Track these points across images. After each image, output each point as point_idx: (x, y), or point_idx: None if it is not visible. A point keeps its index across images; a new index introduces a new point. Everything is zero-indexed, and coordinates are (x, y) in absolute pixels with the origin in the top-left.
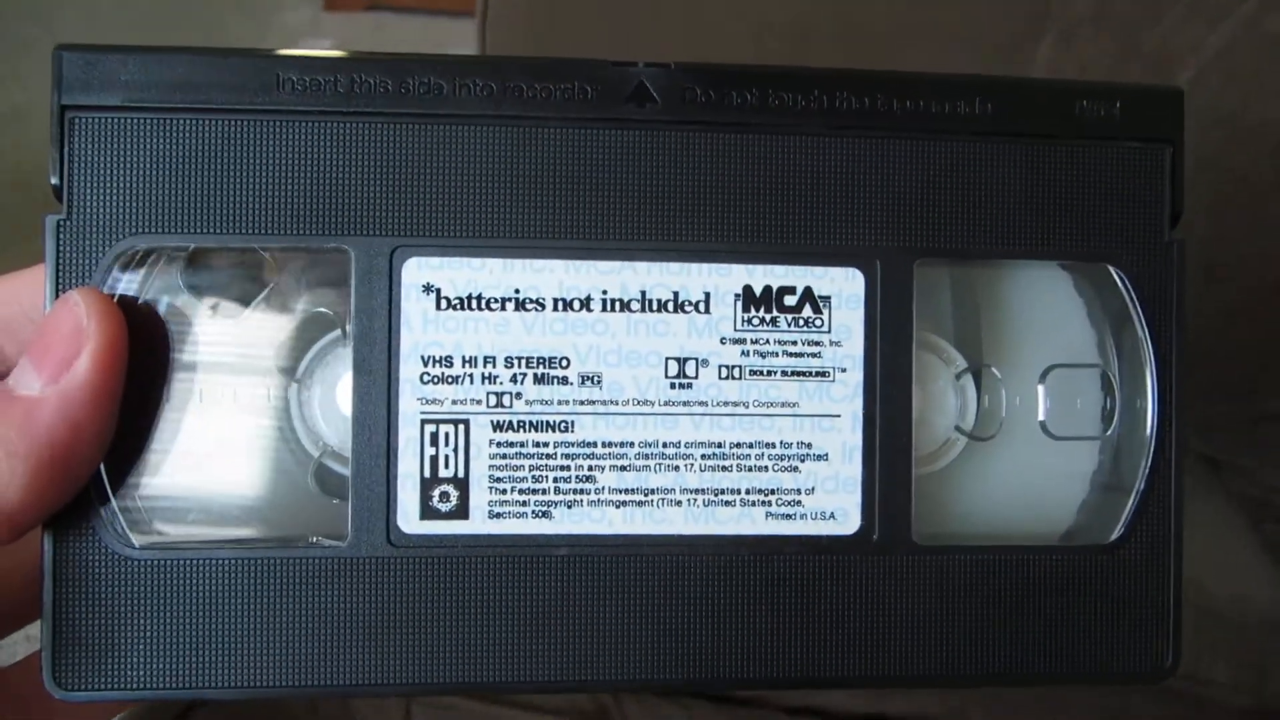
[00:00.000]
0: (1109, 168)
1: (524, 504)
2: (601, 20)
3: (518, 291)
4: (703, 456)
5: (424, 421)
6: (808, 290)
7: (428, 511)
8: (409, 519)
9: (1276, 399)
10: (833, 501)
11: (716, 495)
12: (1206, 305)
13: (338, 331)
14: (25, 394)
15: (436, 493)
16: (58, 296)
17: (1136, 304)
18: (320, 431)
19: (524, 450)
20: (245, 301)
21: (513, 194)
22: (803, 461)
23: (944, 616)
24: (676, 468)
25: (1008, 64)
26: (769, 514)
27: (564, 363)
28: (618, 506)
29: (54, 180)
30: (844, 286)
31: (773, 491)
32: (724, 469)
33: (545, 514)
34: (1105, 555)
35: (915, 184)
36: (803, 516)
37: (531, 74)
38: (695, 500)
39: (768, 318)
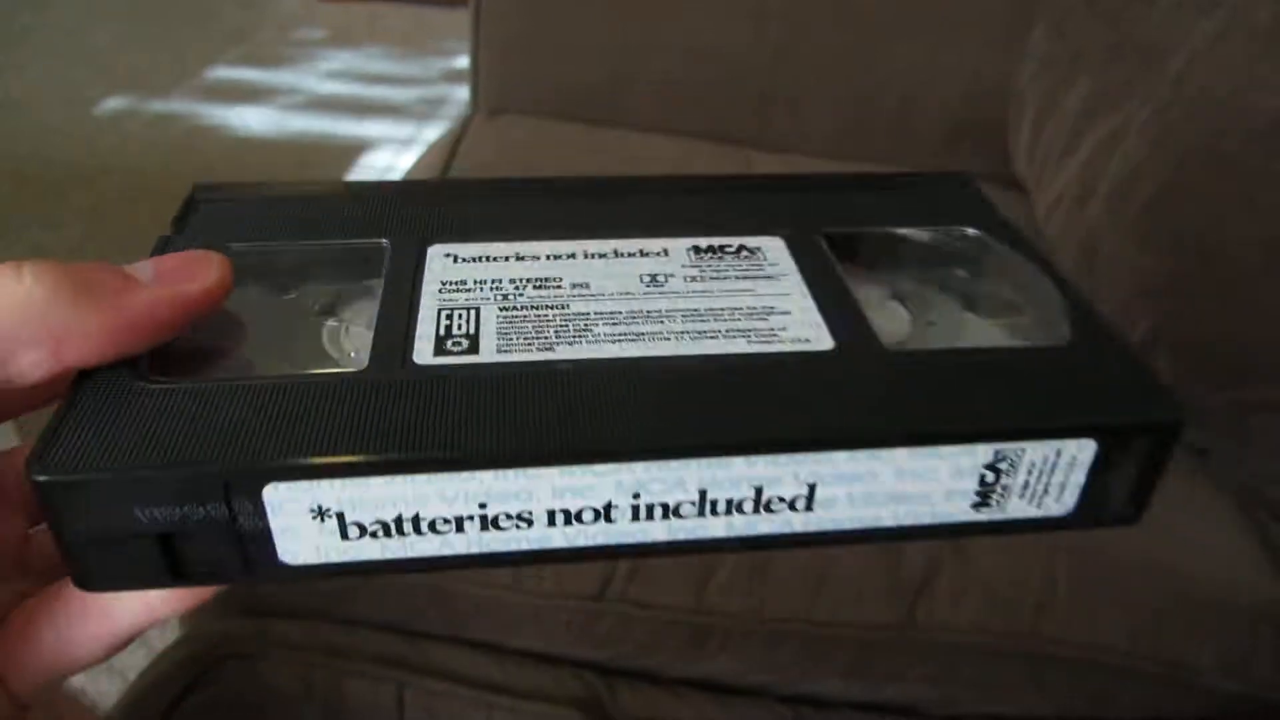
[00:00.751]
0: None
1: (529, 344)
2: (595, 8)
3: (519, 255)
4: (683, 318)
5: (440, 309)
6: (742, 245)
7: (440, 350)
8: (424, 356)
9: (1266, 387)
10: (805, 331)
11: (702, 332)
12: (1198, 290)
13: (368, 281)
14: (135, 275)
15: (449, 342)
16: None
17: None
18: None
19: (527, 316)
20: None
21: (510, 203)
22: (770, 314)
23: (922, 391)
24: (662, 323)
25: (1001, 52)
26: (751, 341)
27: (558, 280)
28: (614, 342)
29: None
30: (770, 244)
31: (751, 329)
32: (704, 322)
33: (549, 348)
34: (1066, 351)
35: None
36: (781, 342)
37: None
38: (684, 336)
39: (716, 259)
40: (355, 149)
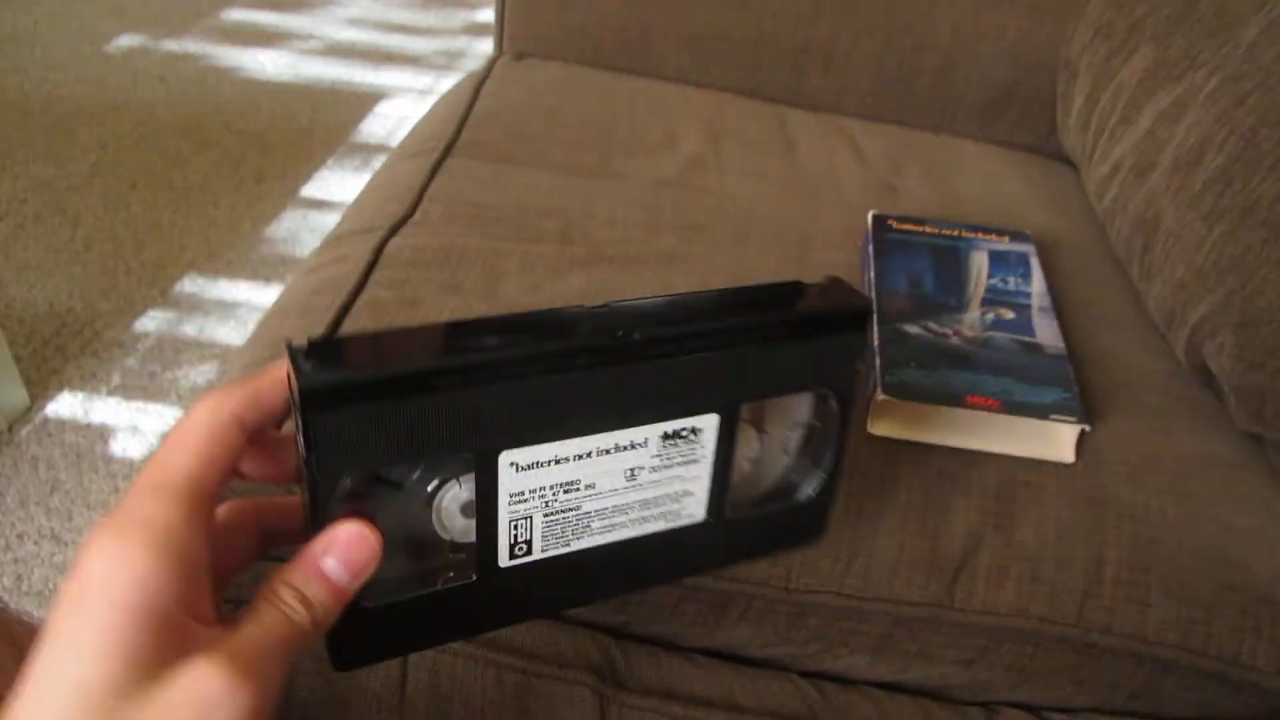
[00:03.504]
0: (831, 347)
1: (557, 541)
2: None
3: (556, 458)
4: (640, 507)
5: (510, 520)
6: (693, 427)
7: (512, 555)
8: (503, 560)
9: None
10: (694, 509)
11: (645, 518)
12: (1268, 266)
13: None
14: (336, 581)
15: (516, 548)
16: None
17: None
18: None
19: (557, 519)
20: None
21: (551, 415)
22: (681, 498)
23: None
24: (627, 514)
25: (1050, 20)
26: (666, 520)
27: (577, 484)
28: (601, 534)
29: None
30: (707, 422)
31: (668, 511)
32: (647, 510)
33: (567, 544)
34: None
35: (732, 374)
36: (679, 519)
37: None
38: (636, 522)
39: (673, 445)
40: (371, 97)
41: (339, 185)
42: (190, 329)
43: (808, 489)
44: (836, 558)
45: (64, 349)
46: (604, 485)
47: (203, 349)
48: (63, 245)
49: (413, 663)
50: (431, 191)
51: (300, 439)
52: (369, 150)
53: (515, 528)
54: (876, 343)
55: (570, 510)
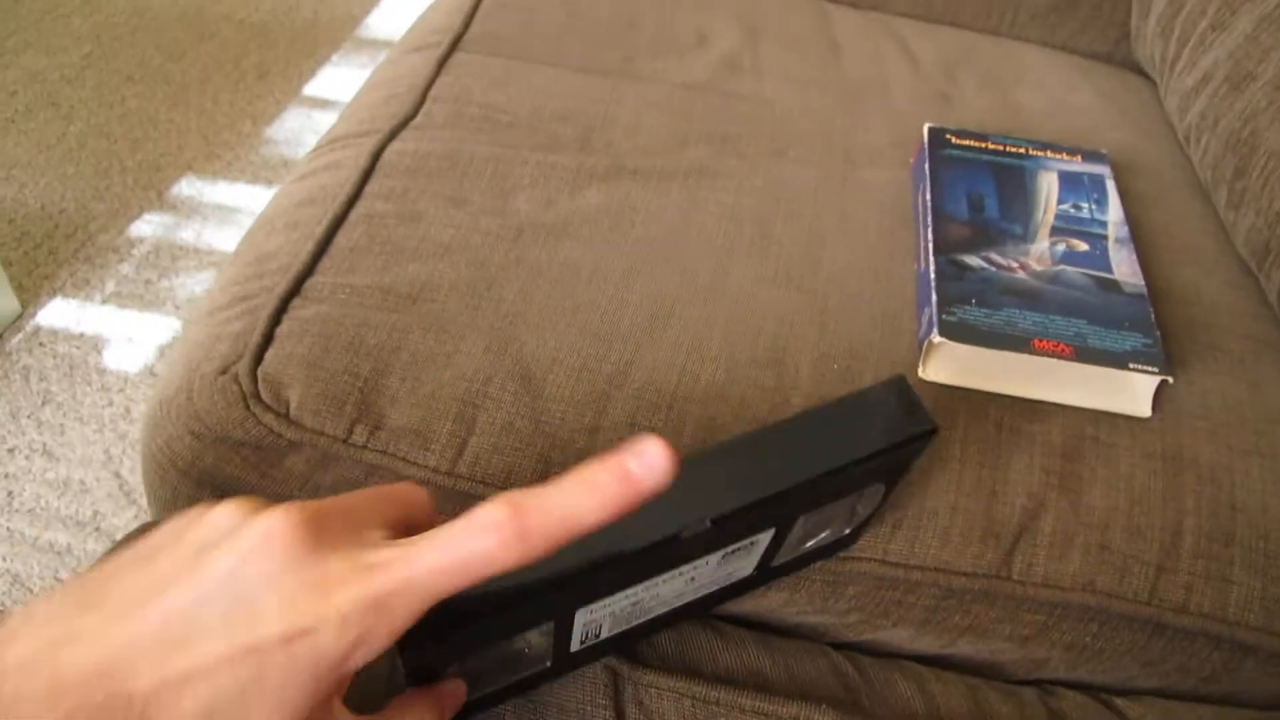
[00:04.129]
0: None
1: (623, 624)
2: None
3: (626, 596)
4: (695, 591)
5: (582, 628)
6: (752, 542)
7: (582, 643)
8: (575, 647)
9: None
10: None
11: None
12: None
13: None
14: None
15: (587, 640)
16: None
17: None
18: None
19: (624, 616)
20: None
21: (624, 580)
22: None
23: None
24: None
25: None
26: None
27: (641, 599)
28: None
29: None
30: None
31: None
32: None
33: (629, 624)
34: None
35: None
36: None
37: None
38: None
39: (732, 556)
40: None
41: (345, 83)
42: (188, 234)
43: (847, 528)
44: (881, 520)
45: (56, 253)
46: (666, 591)
47: (200, 256)
48: (55, 142)
49: None
50: (436, 90)
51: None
52: (377, 46)
53: (586, 630)
54: (933, 275)
55: (634, 607)
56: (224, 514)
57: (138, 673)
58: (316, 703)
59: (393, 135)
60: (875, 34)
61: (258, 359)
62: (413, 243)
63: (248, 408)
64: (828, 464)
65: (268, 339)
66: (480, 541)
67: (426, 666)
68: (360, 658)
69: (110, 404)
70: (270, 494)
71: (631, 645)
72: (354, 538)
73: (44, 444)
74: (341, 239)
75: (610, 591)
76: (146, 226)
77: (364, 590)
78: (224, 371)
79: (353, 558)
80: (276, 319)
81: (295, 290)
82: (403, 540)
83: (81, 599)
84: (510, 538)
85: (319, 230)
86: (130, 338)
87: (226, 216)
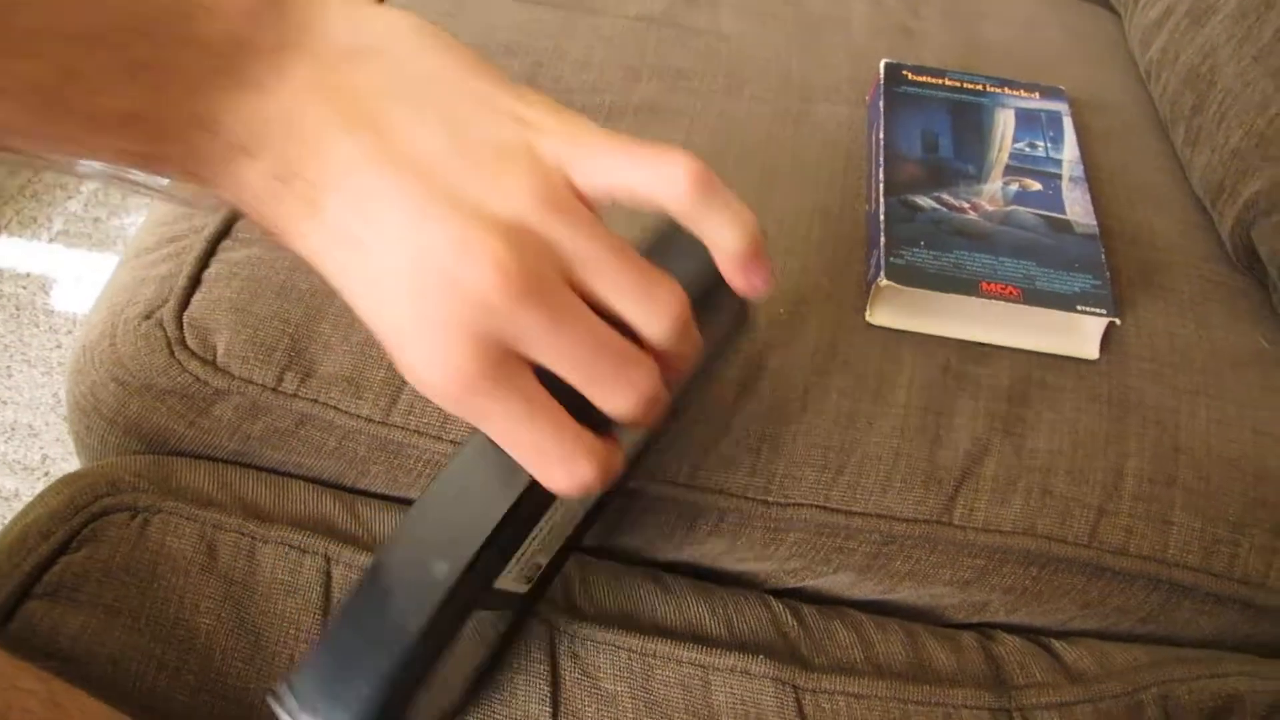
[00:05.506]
0: None
1: None
2: None
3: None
4: None
5: None
6: None
7: None
8: None
9: None
10: None
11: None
12: None
13: None
14: None
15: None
16: None
17: None
18: None
19: None
20: None
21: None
22: None
23: None
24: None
25: None
26: None
27: None
28: None
29: None
30: None
31: None
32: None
33: None
34: None
35: None
36: None
37: None
38: None
39: None
40: None
41: None
42: (137, 171)
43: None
44: (824, 466)
45: (1, 190)
46: (557, 526)
47: (151, 193)
48: None
49: (337, 583)
50: None
51: None
52: None
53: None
54: (883, 217)
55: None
56: None
57: None
58: None
59: None
60: None
61: (184, 304)
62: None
63: (172, 354)
64: None
65: (195, 282)
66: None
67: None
68: None
69: (59, 346)
70: (197, 444)
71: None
72: None
73: None
74: None
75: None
76: (94, 162)
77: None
78: (148, 316)
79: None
80: (204, 262)
81: (225, 232)
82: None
83: None
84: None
85: None
86: (79, 277)
87: None
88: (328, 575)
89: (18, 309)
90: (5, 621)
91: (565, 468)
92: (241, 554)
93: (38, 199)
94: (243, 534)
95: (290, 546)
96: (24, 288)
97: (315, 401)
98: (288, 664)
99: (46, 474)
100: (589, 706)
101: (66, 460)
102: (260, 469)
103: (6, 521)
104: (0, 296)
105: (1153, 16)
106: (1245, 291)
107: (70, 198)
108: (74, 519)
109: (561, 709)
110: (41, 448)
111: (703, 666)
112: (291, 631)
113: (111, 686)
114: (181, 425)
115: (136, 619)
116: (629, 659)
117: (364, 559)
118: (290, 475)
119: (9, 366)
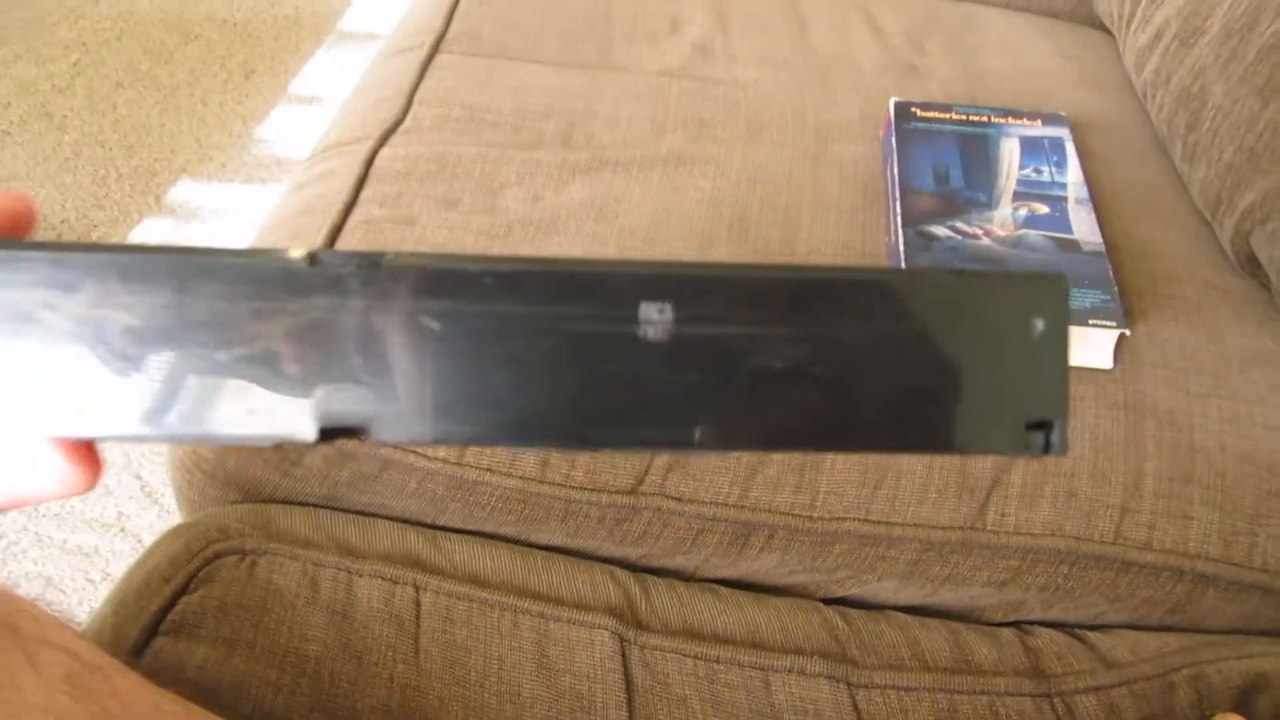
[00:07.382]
0: None
1: None
2: None
3: None
4: None
5: None
6: None
7: None
8: None
9: None
10: None
11: None
12: None
13: None
14: None
15: None
16: None
17: None
18: None
19: None
20: None
21: None
22: None
23: None
24: None
25: None
26: None
27: None
28: None
29: None
30: None
31: None
32: None
33: None
34: None
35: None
36: None
37: None
38: None
39: None
40: None
41: (331, 78)
42: (189, 237)
43: None
44: (863, 483)
45: None
46: None
47: None
48: (51, 152)
49: (426, 609)
50: (421, 94)
51: None
52: (359, 38)
53: None
54: (902, 248)
55: None
56: None
57: None
58: None
59: (383, 141)
60: (842, 6)
61: None
62: (409, 246)
63: None
64: None
65: None
66: None
67: None
68: None
69: None
70: (291, 492)
71: None
72: None
73: None
74: (341, 245)
75: None
76: (148, 231)
77: None
78: None
79: None
80: None
81: None
82: None
83: None
84: None
85: (319, 239)
86: None
87: (225, 217)
88: (417, 603)
89: None
90: (137, 656)
91: None
92: (340, 587)
93: None
94: (340, 569)
95: (383, 579)
96: None
97: (397, 448)
98: (388, 683)
99: (123, 529)
100: (661, 709)
101: (140, 515)
102: (348, 511)
103: (89, 577)
104: None
105: (1144, 40)
106: (1249, 296)
107: None
108: (190, 563)
109: (638, 713)
110: (116, 505)
111: (762, 669)
112: (389, 654)
113: (235, 710)
114: (276, 475)
115: (252, 649)
116: (695, 665)
117: (450, 586)
118: (376, 515)
119: None
